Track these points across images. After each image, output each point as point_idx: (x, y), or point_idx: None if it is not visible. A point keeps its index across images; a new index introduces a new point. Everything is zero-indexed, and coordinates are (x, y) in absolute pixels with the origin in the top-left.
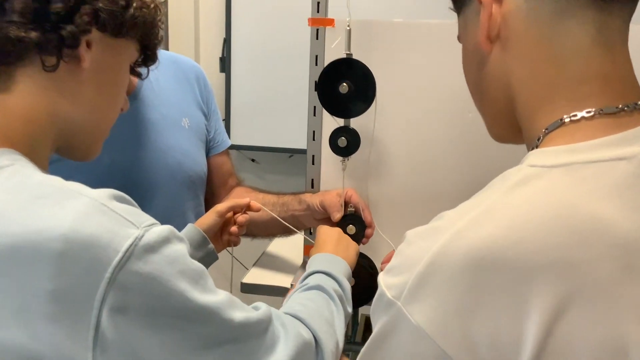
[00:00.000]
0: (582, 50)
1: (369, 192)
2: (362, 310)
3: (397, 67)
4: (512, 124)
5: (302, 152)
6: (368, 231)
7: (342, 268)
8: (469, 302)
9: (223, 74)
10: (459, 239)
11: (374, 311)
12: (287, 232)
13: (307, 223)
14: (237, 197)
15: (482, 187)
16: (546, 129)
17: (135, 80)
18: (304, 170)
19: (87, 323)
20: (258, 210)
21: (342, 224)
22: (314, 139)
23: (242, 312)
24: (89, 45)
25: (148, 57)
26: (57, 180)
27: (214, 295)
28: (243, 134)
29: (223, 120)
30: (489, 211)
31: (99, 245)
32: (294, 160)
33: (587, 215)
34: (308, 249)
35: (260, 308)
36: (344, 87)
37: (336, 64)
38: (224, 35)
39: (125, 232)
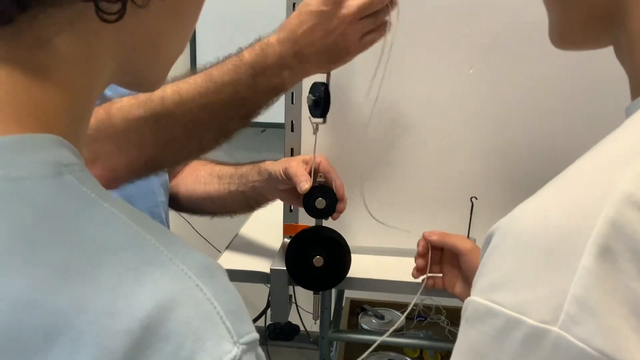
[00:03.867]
0: None
1: (341, 160)
2: (348, 293)
3: None
4: (602, 28)
5: (276, 126)
6: (340, 205)
7: None
8: None
9: None
10: (635, 205)
11: (487, 354)
12: (250, 207)
13: (269, 195)
14: (193, 171)
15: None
16: None
17: None
18: (278, 145)
19: None
20: None
21: (310, 196)
22: (292, 102)
23: None
24: None
25: None
26: (132, 228)
27: None
28: None
29: None
30: None
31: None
32: (267, 135)
33: None
34: (288, 229)
35: None
36: None
37: None
38: None
39: (218, 349)
